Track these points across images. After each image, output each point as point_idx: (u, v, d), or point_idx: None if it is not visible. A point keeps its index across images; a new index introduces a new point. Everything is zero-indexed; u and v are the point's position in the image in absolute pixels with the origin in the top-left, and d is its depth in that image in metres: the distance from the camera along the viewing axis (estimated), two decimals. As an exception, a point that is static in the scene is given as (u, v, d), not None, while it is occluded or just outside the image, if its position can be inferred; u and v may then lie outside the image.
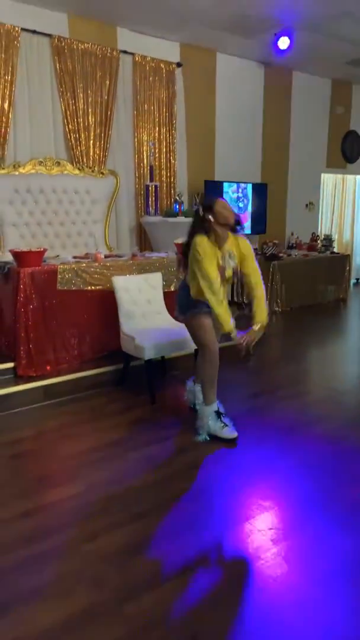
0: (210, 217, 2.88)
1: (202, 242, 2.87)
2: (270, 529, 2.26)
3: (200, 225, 2.91)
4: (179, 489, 2.57)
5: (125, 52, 5.65)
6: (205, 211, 2.90)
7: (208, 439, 3.08)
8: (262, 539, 2.19)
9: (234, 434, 3.07)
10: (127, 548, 2.12)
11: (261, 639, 1.69)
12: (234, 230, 2.97)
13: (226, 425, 3.08)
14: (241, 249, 3.01)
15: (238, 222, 2.98)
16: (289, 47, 5.82)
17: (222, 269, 2.93)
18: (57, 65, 5.20)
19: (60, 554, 2.09)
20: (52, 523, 2.30)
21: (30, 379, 3.76)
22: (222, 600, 1.85)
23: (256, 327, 2.92)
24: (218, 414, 3.11)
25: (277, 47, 5.85)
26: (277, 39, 5.77)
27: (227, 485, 2.63)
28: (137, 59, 5.75)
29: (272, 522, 2.31)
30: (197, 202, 6.15)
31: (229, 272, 2.99)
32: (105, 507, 2.41)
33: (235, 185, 6.72)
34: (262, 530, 2.25)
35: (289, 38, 5.73)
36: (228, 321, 2.84)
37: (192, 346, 3.81)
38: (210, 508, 2.43)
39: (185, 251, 3.01)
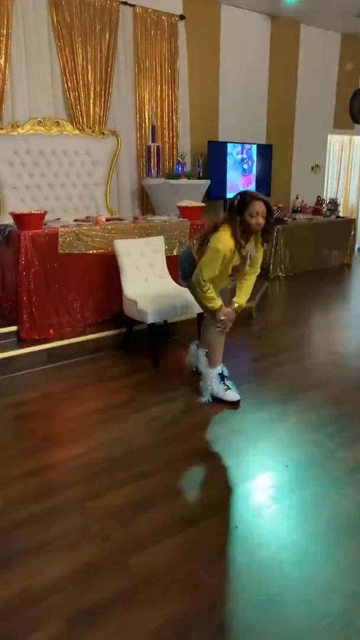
0: (236, 215, 2.78)
1: (223, 240, 2.77)
2: (272, 487, 2.30)
3: (230, 217, 2.81)
4: (182, 450, 2.61)
5: (125, 3, 5.40)
6: (237, 208, 2.77)
7: (211, 400, 3.11)
8: (264, 497, 2.23)
9: (237, 397, 3.09)
10: (131, 505, 2.17)
11: (262, 591, 1.74)
12: (265, 240, 2.92)
13: (229, 388, 3.11)
14: (258, 250, 2.99)
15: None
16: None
17: (243, 259, 2.91)
18: (55, 17, 4.98)
19: (66, 510, 2.14)
20: (57, 481, 2.35)
21: (33, 342, 3.77)
22: (223, 553, 1.91)
23: (233, 306, 2.99)
24: (222, 376, 3.13)
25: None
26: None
27: (229, 446, 2.66)
28: (137, 10, 5.50)
29: (273, 481, 2.35)
30: (200, 164, 6.02)
31: (235, 262, 2.92)
32: (109, 467, 2.46)
33: (239, 146, 6.54)
34: (263, 489, 2.29)
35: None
36: (216, 305, 2.94)
37: (195, 310, 3.81)
38: (213, 468, 2.47)
39: (204, 234, 2.94)
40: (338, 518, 2.10)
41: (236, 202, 2.79)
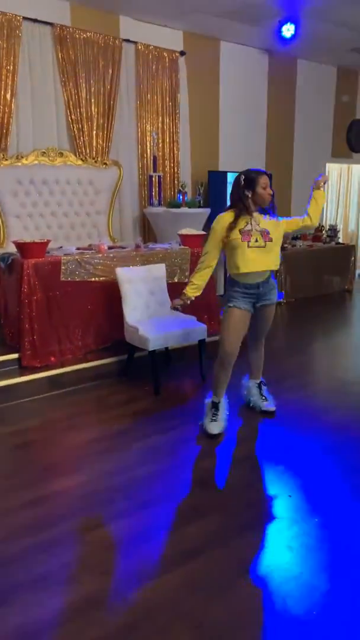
0: (248, 194, 2.85)
1: (219, 218, 2.91)
2: (275, 517, 2.26)
3: (236, 196, 2.89)
4: (183, 479, 2.58)
5: (127, 40, 5.59)
6: (246, 185, 2.86)
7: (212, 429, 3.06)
8: (266, 528, 2.19)
9: (215, 430, 2.99)
10: (131, 536, 2.13)
11: (266, 626, 1.69)
12: (264, 212, 2.93)
13: (213, 420, 3.03)
14: (277, 224, 2.98)
15: (272, 206, 2.96)
16: (294, 35, 5.74)
17: (246, 234, 2.84)
18: (59, 54, 5.15)
19: (65, 542, 2.10)
20: (57, 512, 2.31)
21: (34, 370, 3.77)
22: (226, 587, 1.86)
23: (183, 296, 3.04)
24: (214, 405, 3.06)
25: (281, 35, 5.77)
26: (281, 27, 5.69)
27: (231, 475, 2.63)
28: (139, 47, 5.69)
29: (276, 512, 2.31)
30: (200, 193, 6.12)
31: (256, 236, 2.85)
32: (109, 497, 2.42)
33: (239, 176, 6.66)
34: (266, 519, 2.25)
35: (294, 26, 5.65)
36: (191, 291, 2.98)
37: (197, 337, 3.82)
38: (215, 497, 2.43)
39: None
40: (344, 549, 2.05)
41: (242, 182, 2.87)
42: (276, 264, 2.99)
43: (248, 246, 2.84)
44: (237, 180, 2.91)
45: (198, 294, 3.02)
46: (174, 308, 3.18)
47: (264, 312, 3.07)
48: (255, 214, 2.89)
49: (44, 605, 1.78)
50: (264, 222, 2.89)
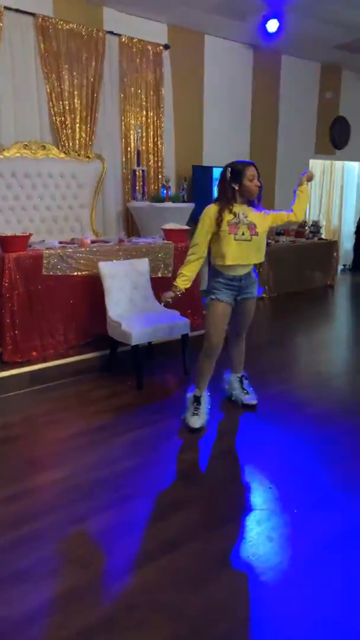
0: (235, 186, 2.85)
1: (206, 210, 2.88)
2: (255, 509, 2.29)
3: (223, 189, 2.88)
4: (165, 472, 2.60)
5: (111, 33, 5.54)
6: (233, 178, 2.85)
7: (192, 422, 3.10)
8: (247, 519, 2.22)
9: (197, 424, 3.01)
10: (112, 530, 2.15)
11: (245, 616, 1.72)
12: (250, 204, 2.94)
13: (195, 414, 3.05)
14: (263, 218, 2.98)
15: (259, 198, 2.95)
16: (279, 30, 5.76)
17: (234, 226, 2.85)
18: (42, 45, 5.08)
19: (47, 536, 2.11)
20: (39, 506, 2.31)
21: (16, 365, 3.74)
22: (206, 578, 1.88)
23: (175, 289, 2.98)
24: (196, 399, 3.09)
25: (266, 30, 5.78)
26: (266, 22, 5.70)
27: (213, 468, 2.66)
28: (123, 40, 5.65)
29: (256, 503, 2.34)
30: (184, 188, 6.11)
31: (243, 229, 2.87)
32: (91, 491, 2.43)
33: (223, 171, 6.67)
34: (246, 511, 2.28)
35: (278, 21, 5.67)
36: (182, 283, 2.93)
37: (180, 332, 3.83)
38: (197, 490, 2.46)
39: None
40: (322, 539, 2.10)
41: (229, 174, 2.86)
42: (260, 257, 3.01)
43: (235, 239, 2.85)
44: (223, 172, 2.90)
45: (188, 285, 2.99)
46: (165, 302, 3.08)
47: (245, 306, 3.10)
48: (244, 206, 2.90)
49: (25, 599, 1.78)
50: (252, 214, 2.91)
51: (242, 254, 2.90)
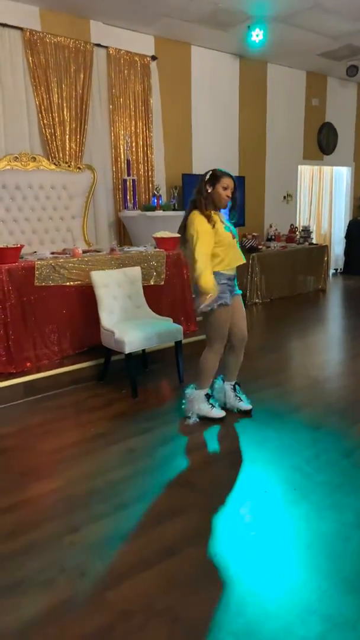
0: (208, 189, 2.94)
1: (197, 219, 2.92)
2: (251, 514, 2.30)
3: (199, 189, 2.97)
4: (161, 479, 2.60)
5: (99, 45, 5.61)
6: (210, 180, 2.96)
7: (198, 420, 3.19)
8: (242, 524, 2.22)
9: (222, 413, 3.22)
10: (109, 538, 2.15)
11: (241, 620, 1.73)
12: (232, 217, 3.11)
13: (214, 406, 3.22)
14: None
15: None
16: (263, 41, 5.85)
17: (228, 229, 3.02)
18: (30, 59, 5.14)
19: (42, 546, 2.10)
20: (34, 517, 2.31)
21: (10, 376, 3.74)
22: (202, 584, 1.89)
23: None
24: (207, 396, 3.23)
25: (251, 40, 5.88)
26: (250, 32, 5.80)
27: (208, 474, 2.66)
28: (111, 52, 5.72)
29: (252, 508, 2.35)
30: (175, 196, 6.16)
31: (231, 231, 3.06)
32: (87, 500, 2.43)
33: (213, 179, 6.72)
34: (242, 516, 2.29)
35: (262, 30, 5.76)
36: (211, 287, 2.88)
37: (173, 338, 3.85)
38: (192, 497, 2.46)
39: (183, 225, 3.05)
40: (317, 542, 2.11)
41: (207, 176, 2.97)
42: (243, 258, 3.19)
43: (232, 237, 3.04)
44: (205, 173, 3.04)
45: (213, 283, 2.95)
46: (205, 311, 3.00)
47: (236, 301, 3.23)
48: (218, 213, 3.02)
49: (22, 610, 1.78)
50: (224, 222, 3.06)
51: (236, 252, 3.08)
